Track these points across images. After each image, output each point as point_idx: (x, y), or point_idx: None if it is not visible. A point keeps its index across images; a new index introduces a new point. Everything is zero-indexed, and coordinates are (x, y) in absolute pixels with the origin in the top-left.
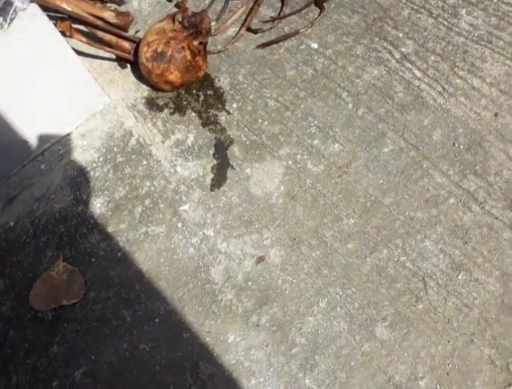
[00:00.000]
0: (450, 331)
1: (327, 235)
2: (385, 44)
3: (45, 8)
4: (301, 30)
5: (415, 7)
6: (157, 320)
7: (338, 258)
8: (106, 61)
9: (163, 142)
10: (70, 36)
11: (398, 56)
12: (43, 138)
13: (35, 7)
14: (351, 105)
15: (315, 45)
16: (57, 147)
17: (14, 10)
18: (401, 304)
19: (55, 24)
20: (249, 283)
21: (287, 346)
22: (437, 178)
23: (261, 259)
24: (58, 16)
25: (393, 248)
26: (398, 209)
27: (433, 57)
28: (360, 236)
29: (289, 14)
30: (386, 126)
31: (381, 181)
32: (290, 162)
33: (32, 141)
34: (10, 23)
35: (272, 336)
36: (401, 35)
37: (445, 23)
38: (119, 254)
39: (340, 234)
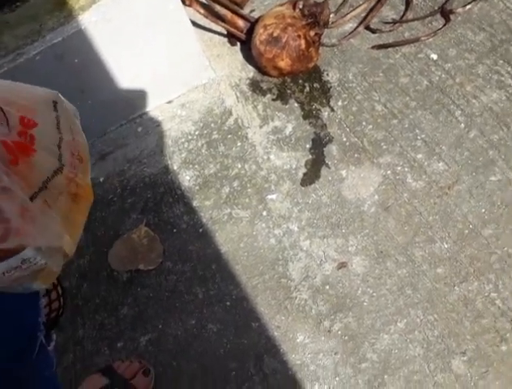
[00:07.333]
0: None
1: (417, 255)
2: (509, 68)
3: None
4: (423, 38)
5: None
6: (228, 303)
7: (424, 281)
8: (216, 36)
9: (260, 127)
10: (189, 6)
11: None
12: (144, 102)
13: None
14: (463, 125)
15: (434, 56)
16: (156, 112)
17: None
18: (483, 341)
19: None
20: (327, 287)
21: (356, 359)
22: None
23: (342, 265)
24: None
25: (485, 282)
26: (497, 243)
27: None
28: (452, 263)
29: (412, 20)
30: (498, 154)
31: (483, 210)
32: (389, 172)
33: (134, 103)
34: None
35: (343, 346)
36: None
37: None
38: (200, 230)
39: (431, 257)
